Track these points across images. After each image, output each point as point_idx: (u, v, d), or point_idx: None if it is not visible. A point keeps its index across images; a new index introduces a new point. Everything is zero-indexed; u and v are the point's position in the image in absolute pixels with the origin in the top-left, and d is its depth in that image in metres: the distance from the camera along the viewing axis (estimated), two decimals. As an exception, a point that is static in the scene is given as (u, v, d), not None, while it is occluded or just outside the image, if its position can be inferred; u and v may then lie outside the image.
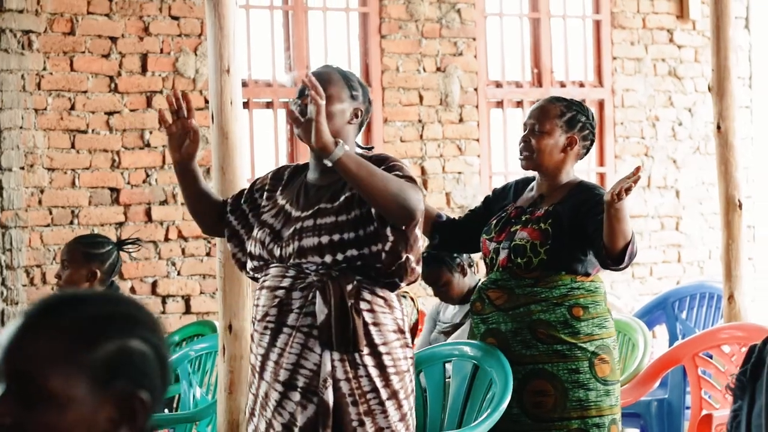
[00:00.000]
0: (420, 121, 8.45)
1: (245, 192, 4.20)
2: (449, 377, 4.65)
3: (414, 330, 5.65)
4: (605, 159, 9.12)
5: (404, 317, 4.00)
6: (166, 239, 7.68)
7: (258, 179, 4.21)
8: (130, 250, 5.47)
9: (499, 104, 8.81)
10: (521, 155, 4.52)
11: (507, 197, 4.66)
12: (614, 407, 4.44)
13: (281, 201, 4.06)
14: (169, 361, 1.84)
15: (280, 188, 4.11)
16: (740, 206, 6.12)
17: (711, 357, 5.62)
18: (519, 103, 8.83)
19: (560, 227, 4.40)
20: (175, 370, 5.60)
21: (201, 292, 7.76)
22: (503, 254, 4.46)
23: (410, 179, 3.84)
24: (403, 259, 3.85)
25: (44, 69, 7.35)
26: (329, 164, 3.79)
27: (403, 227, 3.82)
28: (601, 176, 9.12)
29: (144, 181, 7.61)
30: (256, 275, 4.05)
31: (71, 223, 7.42)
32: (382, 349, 3.89)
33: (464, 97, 8.58)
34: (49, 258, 7.29)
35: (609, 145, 9.13)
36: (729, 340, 5.60)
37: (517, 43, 8.91)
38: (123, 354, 1.77)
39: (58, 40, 7.39)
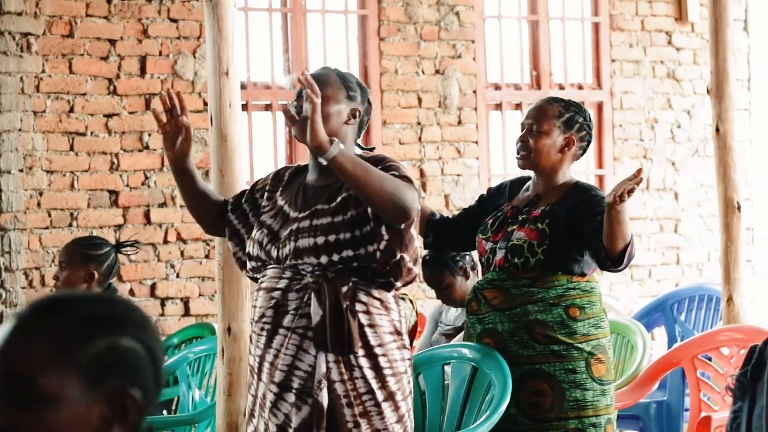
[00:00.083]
0: (419, 123, 8.45)
1: (246, 192, 4.21)
2: (448, 380, 4.65)
3: (413, 332, 5.65)
4: (604, 161, 9.12)
5: (402, 319, 3.99)
6: (165, 241, 7.68)
7: (259, 180, 4.23)
8: (129, 253, 5.47)
9: (498, 107, 8.81)
10: (518, 154, 4.53)
11: (502, 196, 4.66)
12: (609, 407, 4.46)
13: (280, 202, 4.07)
14: (162, 362, 1.85)
15: (280, 189, 4.12)
16: (739, 208, 6.12)
17: (710, 359, 5.62)
18: (518, 106, 8.84)
19: (557, 227, 4.41)
20: (174, 372, 5.60)
21: (200, 295, 7.76)
22: (500, 254, 4.47)
23: (406, 179, 3.85)
24: (398, 257, 3.85)
25: (43, 71, 7.35)
26: (324, 162, 3.81)
27: (399, 226, 3.83)
28: (600, 178, 9.13)
29: (143, 184, 7.61)
30: (255, 275, 4.06)
31: (70, 225, 7.42)
32: (378, 350, 3.89)
33: (463, 100, 8.58)
34: (48, 260, 7.29)
35: (608, 147, 9.13)
36: (728, 342, 5.60)
37: (516, 45, 8.92)
38: (113, 352, 1.78)
39: (57, 43, 7.39)
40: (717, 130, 6.15)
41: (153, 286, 7.65)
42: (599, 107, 9.12)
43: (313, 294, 3.85)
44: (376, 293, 3.92)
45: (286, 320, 3.89)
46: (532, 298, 4.41)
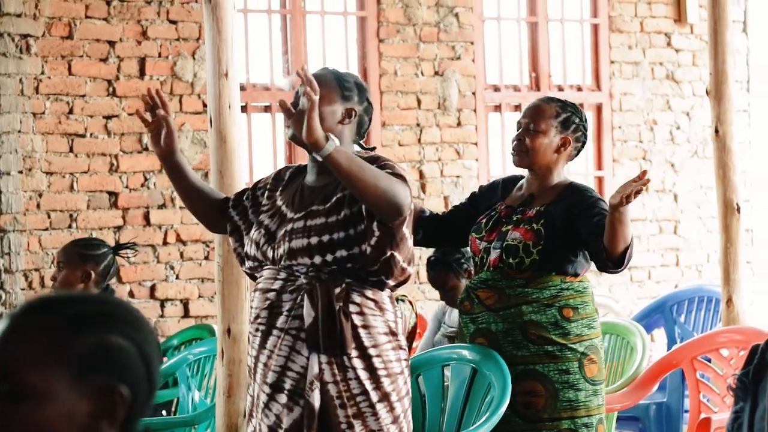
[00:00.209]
0: (418, 124, 8.46)
1: (248, 190, 4.23)
2: (448, 381, 4.65)
3: (413, 334, 5.66)
4: (603, 163, 9.12)
5: (397, 319, 3.99)
6: (165, 243, 7.68)
7: (262, 178, 4.25)
8: (128, 255, 5.47)
9: (497, 108, 8.81)
10: (514, 152, 4.53)
11: (495, 195, 4.66)
12: (601, 407, 4.48)
13: (279, 202, 4.08)
14: (157, 362, 1.86)
15: (280, 189, 4.13)
16: (738, 210, 6.12)
17: (709, 360, 5.62)
18: (517, 107, 8.84)
19: (552, 228, 4.41)
20: (174, 373, 5.60)
21: (199, 296, 7.76)
22: (494, 254, 4.47)
23: (400, 177, 3.86)
24: (388, 255, 3.85)
25: (42, 73, 7.35)
26: (320, 159, 3.82)
27: (391, 224, 3.84)
28: (599, 180, 9.13)
29: (142, 185, 7.61)
30: (254, 274, 4.08)
31: (69, 226, 7.42)
32: (372, 351, 3.89)
33: (462, 101, 8.59)
34: (48, 262, 7.29)
35: (607, 148, 9.13)
36: (727, 344, 5.60)
37: (515, 46, 8.92)
38: (100, 348, 1.80)
39: (56, 44, 7.40)
40: (716, 131, 6.15)
41: (152, 288, 7.65)
42: (598, 109, 9.12)
43: (305, 295, 3.86)
44: (370, 294, 3.92)
45: (280, 321, 3.90)
46: (527, 298, 4.42)
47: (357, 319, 3.89)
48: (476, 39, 8.65)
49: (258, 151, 8.07)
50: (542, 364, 4.40)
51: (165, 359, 5.94)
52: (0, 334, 1.80)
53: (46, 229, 7.36)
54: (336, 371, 3.86)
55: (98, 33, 7.52)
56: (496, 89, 8.80)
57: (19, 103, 7.24)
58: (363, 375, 3.88)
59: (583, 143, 4.61)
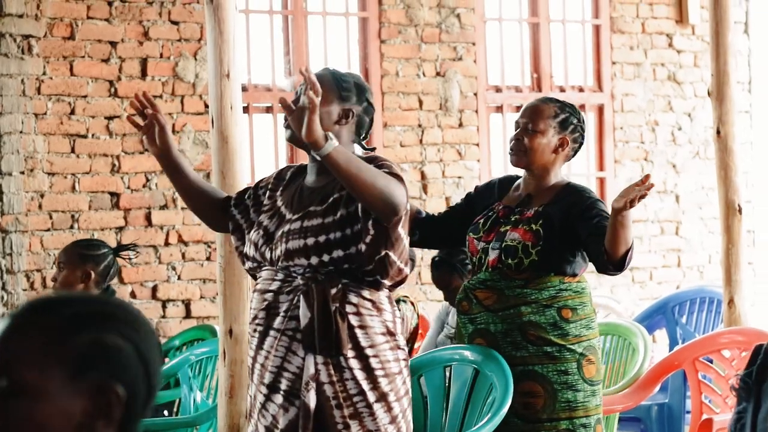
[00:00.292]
0: (420, 125, 8.46)
1: (250, 189, 4.23)
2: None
3: (414, 334, 5.66)
4: (605, 164, 9.12)
5: (396, 319, 3.98)
6: (167, 243, 7.68)
7: (263, 178, 4.25)
8: (129, 256, 5.47)
9: (499, 109, 8.81)
10: (513, 152, 4.53)
11: (491, 195, 4.66)
12: (599, 407, 4.49)
13: (279, 202, 4.09)
14: (156, 363, 1.87)
15: (281, 189, 4.14)
16: (740, 211, 6.12)
17: (711, 361, 5.62)
18: (518, 108, 8.81)
19: (551, 229, 4.42)
20: (176, 374, 5.60)
21: (201, 297, 7.76)
22: (493, 254, 4.47)
23: (397, 176, 3.86)
24: (383, 254, 3.85)
25: (44, 73, 7.36)
26: (318, 158, 3.82)
27: (386, 223, 3.84)
28: (601, 181, 9.13)
29: (144, 186, 7.62)
30: (255, 273, 4.08)
31: (71, 227, 7.42)
32: (368, 351, 3.89)
33: (464, 102, 8.59)
34: (50, 262, 7.29)
35: (609, 149, 9.13)
36: (729, 345, 5.60)
37: (517, 47, 8.92)
38: (96, 347, 1.81)
39: (58, 45, 7.40)
40: (718, 132, 6.15)
41: (154, 288, 7.65)
42: (600, 110, 9.12)
43: (302, 296, 3.86)
44: (367, 294, 3.92)
45: (277, 322, 3.91)
46: (526, 299, 4.42)
47: (353, 320, 3.89)
48: (478, 40, 8.65)
49: (260, 152, 8.07)
50: (541, 365, 4.40)
51: (167, 360, 5.94)
52: (1, 332, 1.82)
53: (48, 230, 7.36)
54: (332, 372, 3.86)
55: (100, 33, 7.52)
56: (498, 90, 8.80)
57: (21, 103, 7.25)
58: (360, 375, 3.88)
59: (581, 144, 4.62)
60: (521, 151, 4.51)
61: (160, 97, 7.63)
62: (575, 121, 4.57)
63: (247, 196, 4.20)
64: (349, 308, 3.88)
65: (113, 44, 7.55)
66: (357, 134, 4.06)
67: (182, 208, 7.61)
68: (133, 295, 7.56)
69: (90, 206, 7.48)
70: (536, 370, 4.40)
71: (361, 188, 3.78)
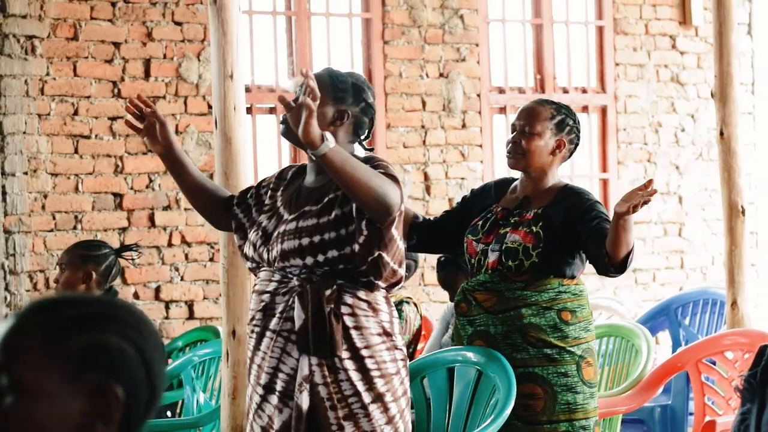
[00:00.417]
0: (423, 126, 8.46)
1: (252, 188, 4.23)
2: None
3: (417, 335, 5.65)
4: (608, 165, 9.12)
5: (393, 320, 3.98)
6: (170, 244, 7.68)
7: (266, 178, 4.26)
8: (132, 257, 5.47)
9: (502, 110, 8.81)
10: (510, 155, 4.54)
11: (488, 197, 4.66)
12: (596, 409, 4.50)
13: (279, 203, 4.09)
14: (159, 365, 1.87)
15: (282, 188, 4.14)
16: (743, 212, 6.12)
17: (714, 363, 5.62)
18: (522, 109, 8.83)
19: (551, 231, 4.42)
20: (179, 375, 5.60)
21: (204, 298, 7.76)
22: (493, 256, 4.47)
23: (393, 177, 3.86)
24: (376, 255, 3.85)
25: (47, 74, 7.36)
26: (314, 158, 3.83)
27: (380, 224, 3.84)
28: (604, 182, 9.13)
29: (147, 187, 7.62)
30: (255, 273, 4.09)
31: (74, 228, 7.42)
32: (364, 352, 3.89)
33: (467, 103, 8.59)
34: (53, 263, 7.30)
35: (612, 151, 9.13)
36: (732, 347, 5.60)
37: (520, 49, 8.92)
38: (96, 347, 1.81)
39: (62, 46, 7.40)
40: (721, 133, 6.15)
41: (157, 289, 7.65)
42: (603, 111, 9.12)
43: (296, 297, 3.86)
44: (362, 295, 3.92)
45: (273, 323, 3.92)
46: (526, 301, 4.42)
47: (349, 321, 3.89)
48: (481, 41, 8.65)
49: (263, 153, 8.07)
50: (541, 367, 4.40)
51: (170, 361, 5.94)
52: (3, 333, 1.83)
53: (51, 231, 7.36)
54: (327, 373, 3.86)
55: (103, 34, 7.52)
56: (501, 91, 8.80)
57: (25, 104, 7.25)
58: (355, 376, 3.87)
59: (576, 145, 4.62)
60: (519, 153, 4.52)
61: (164, 97, 7.63)
62: (571, 122, 4.57)
63: (249, 195, 4.21)
64: (344, 309, 3.88)
65: (116, 45, 7.55)
66: (356, 135, 4.05)
67: (185, 209, 7.61)
68: (136, 296, 7.56)
69: (93, 207, 7.48)
70: (536, 372, 4.40)
71: (356, 188, 3.78)
